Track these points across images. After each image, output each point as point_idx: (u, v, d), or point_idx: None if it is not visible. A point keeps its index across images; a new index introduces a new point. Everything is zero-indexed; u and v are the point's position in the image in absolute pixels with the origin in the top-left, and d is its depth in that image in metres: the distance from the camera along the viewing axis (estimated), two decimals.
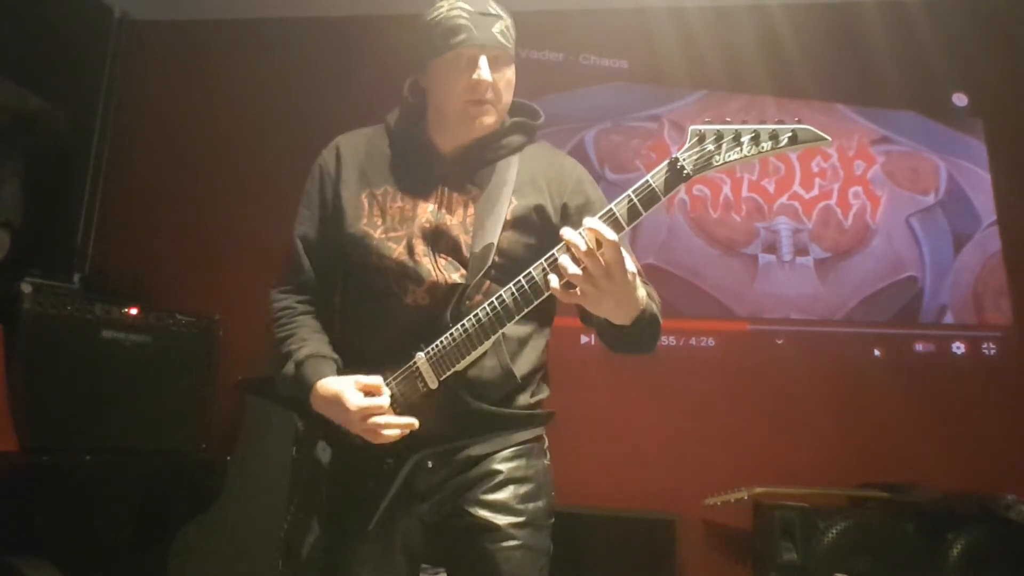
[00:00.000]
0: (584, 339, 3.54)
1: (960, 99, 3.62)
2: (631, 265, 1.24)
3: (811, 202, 3.63)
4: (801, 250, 3.58)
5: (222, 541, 3.00)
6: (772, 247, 3.60)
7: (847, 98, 3.68)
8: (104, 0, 4.10)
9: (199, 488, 3.15)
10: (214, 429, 3.35)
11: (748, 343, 3.53)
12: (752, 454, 3.22)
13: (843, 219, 3.59)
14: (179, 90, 4.05)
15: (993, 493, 2.80)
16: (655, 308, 1.40)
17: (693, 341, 3.54)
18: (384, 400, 1.39)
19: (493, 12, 1.50)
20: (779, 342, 3.51)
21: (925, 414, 3.21)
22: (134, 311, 3.14)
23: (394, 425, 1.38)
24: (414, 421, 1.39)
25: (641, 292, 1.32)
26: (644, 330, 1.36)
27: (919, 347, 3.44)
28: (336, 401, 1.40)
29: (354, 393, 1.39)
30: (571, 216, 1.52)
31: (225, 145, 3.91)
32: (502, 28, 1.50)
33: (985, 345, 3.40)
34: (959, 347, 3.41)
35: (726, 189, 3.67)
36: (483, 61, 1.46)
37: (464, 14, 1.47)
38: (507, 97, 1.54)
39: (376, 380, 1.41)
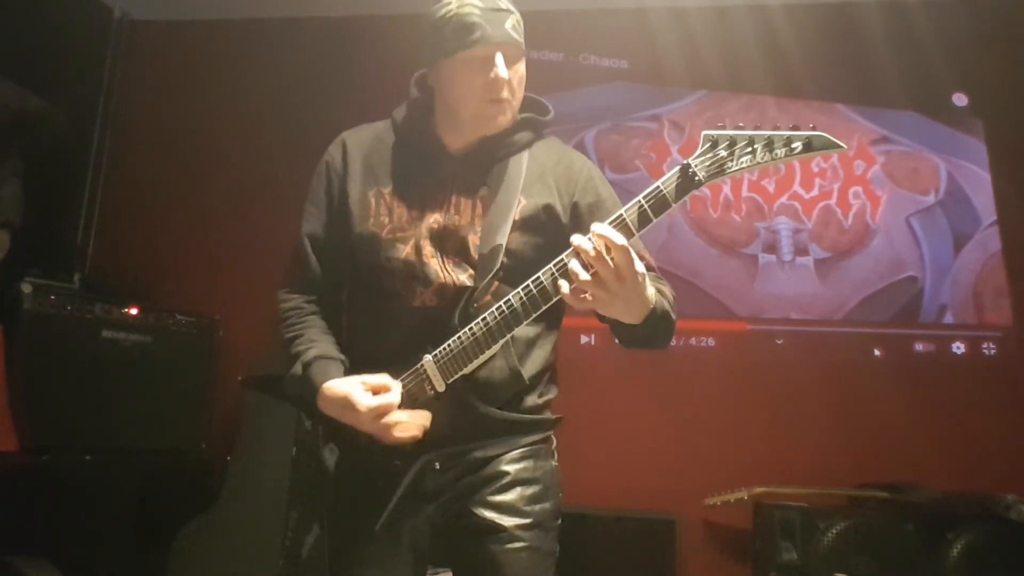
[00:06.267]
0: (584, 339, 3.54)
1: (960, 99, 3.62)
2: (640, 266, 1.24)
3: (811, 202, 3.63)
4: (801, 250, 3.58)
5: (222, 541, 3.00)
6: (772, 247, 3.60)
7: (847, 98, 3.68)
8: (104, 0, 4.10)
9: (199, 488, 3.15)
10: (214, 429, 3.35)
11: (748, 343, 3.53)
12: (752, 454, 3.22)
13: (843, 219, 3.59)
14: (179, 90, 4.05)
15: (993, 493, 2.80)
16: (666, 305, 1.39)
17: (693, 341, 3.54)
18: (394, 397, 1.38)
19: (504, 7, 1.46)
20: (779, 342, 3.51)
21: (925, 414, 3.21)
22: (134, 311, 3.14)
23: (406, 424, 1.37)
24: (426, 419, 1.38)
25: (650, 291, 1.31)
26: (655, 328, 1.36)
27: (919, 347, 3.44)
28: (345, 403, 1.38)
29: (363, 394, 1.38)
30: (582, 215, 1.50)
31: (225, 145, 3.91)
32: (513, 23, 1.46)
33: (985, 345, 3.40)
34: (959, 347, 3.41)
35: (726, 189, 3.67)
36: (499, 59, 1.43)
37: (476, 11, 1.42)
38: (520, 93, 1.51)
39: (383, 378, 1.40)
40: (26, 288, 2.82)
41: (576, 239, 1.22)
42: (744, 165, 1.22)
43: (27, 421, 2.71)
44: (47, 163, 3.71)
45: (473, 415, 1.43)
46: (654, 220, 1.26)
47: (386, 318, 1.50)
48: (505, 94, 1.46)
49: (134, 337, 3.12)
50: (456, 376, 1.39)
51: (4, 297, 2.80)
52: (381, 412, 1.36)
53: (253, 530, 2.95)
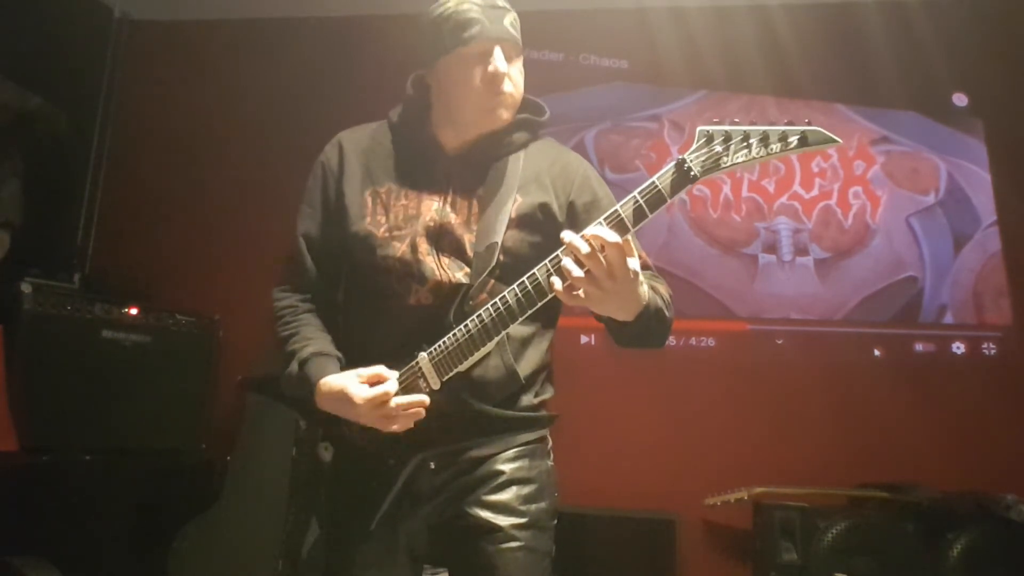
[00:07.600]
0: (584, 339, 3.54)
1: (960, 99, 3.62)
2: (634, 264, 1.23)
3: (811, 202, 3.63)
4: (801, 250, 3.58)
5: (222, 541, 3.00)
6: (772, 247, 3.60)
7: (847, 98, 3.68)
8: (104, 0, 4.10)
9: (199, 488, 3.15)
10: (214, 429, 3.35)
11: (748, 343, 3.53)
12: (752, 454, 3.22)
13: (843, 219, 3.59)
14: (179, 90, 4.05)
15: (993, 493, 2.80)
16: (660, 302, 1.39)
17: (693, 341, 3.54)
18: (391, 385, 1.38)
19: (501, 5, 1.48)
20: (779, 342, 3.51)
21: (925, 414, 3.21)
22: (134, 311, 3.14)
23: (405, 405, 1.36)
24: (424, 398, 1.37)
25: (643, 289, 1.31)
26: (648, 326, 1.36)
27: (919, 347, 3.44)
28: (342, 397, 1.38)
29: (359, 386, 1.38)
30: (578, 214, 1.50)
31: (225, 145, 3.91)
32: (511, 20, 1.48)
33: (985, 345, 3.40)
34: (959, 347, 3.41)
35: (726, 189, 3.67)
36: (498, 52, 1.45)
37: (475, 8, 1.44)
38: (520, 89, 1.52)
39: (378, 369, 1.40)
40: (26, 288, 2.81)
41: (568, 235, 1.22)
42: (739, 160, 1.22)
43: (27, 421, 2.70)
44: (47, 163, 3.72)
45: (468, 413, 1.43)
46: (650, 216, 1.25)
47: (382, 316, 1.50)
48: (506, 87, 1.47)
49: (134, 337, 3.11)
50: (451, 374, 1.39)
51: (4, 297, 2.80)
52: (379, 402, 1.36)
53: (253, 530, 2.95)
